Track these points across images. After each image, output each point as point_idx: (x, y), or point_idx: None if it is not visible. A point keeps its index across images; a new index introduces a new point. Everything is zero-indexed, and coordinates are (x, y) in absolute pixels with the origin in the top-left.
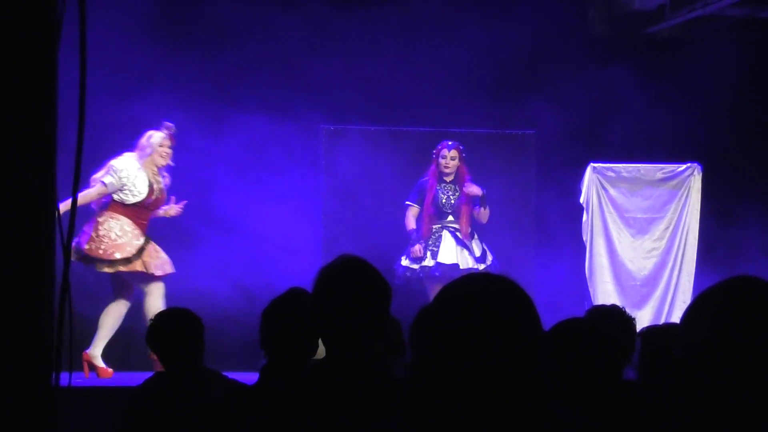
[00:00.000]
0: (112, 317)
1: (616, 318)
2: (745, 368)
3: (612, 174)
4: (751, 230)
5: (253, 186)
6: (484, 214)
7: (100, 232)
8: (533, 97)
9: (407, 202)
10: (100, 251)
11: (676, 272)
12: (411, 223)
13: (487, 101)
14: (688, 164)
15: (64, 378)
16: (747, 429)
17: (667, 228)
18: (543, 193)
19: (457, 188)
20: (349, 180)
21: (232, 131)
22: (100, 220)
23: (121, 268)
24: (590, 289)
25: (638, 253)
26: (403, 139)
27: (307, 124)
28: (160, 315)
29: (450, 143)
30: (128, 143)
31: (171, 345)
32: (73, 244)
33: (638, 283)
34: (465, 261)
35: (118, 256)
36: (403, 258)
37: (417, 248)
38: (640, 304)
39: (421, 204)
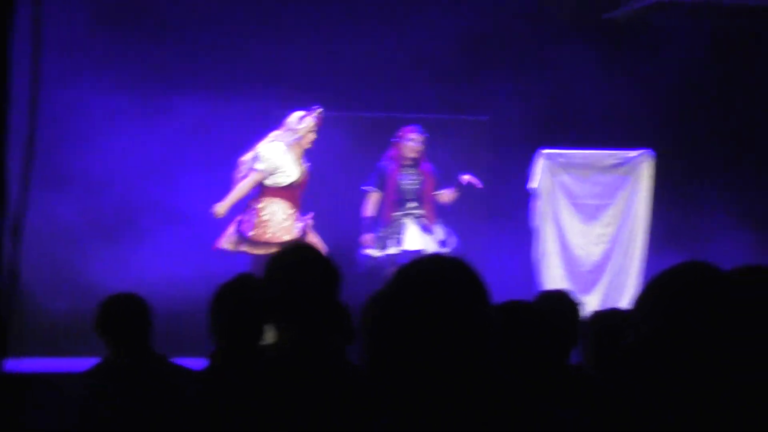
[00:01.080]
0: None
1: (563, 303)
2: (695, 353)
3: (563, 160)
4: (702, 217)
5: (205, 172)
6: (450, 195)
7: (264, 217)
8: (487, 83)
9: (366, 188)
10: (268, 235)
11: (625, 258)
12: (369, 209)
13: (441, 87)
14: (640, 151)
15: (11, 364)
16: (697, 413)
17: (617, 214)
18: (495, 179)
19: (419, 173)
20: (311, 166)
21: (184, 117)
22: (259, 206)
23: None
24: (539, 276)
25: (588, 239)
26: (356, 124)
27: (262, 108)
28: (107, 300)
29: (417, 127)
30: (70, 128)
31: (120, 331)
32: (234, 233)
33: (587, 269)
34: (430, 246)
35: (287, 238)
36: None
37: (369, 237)
38: (588, 290)
39: (381, 189)
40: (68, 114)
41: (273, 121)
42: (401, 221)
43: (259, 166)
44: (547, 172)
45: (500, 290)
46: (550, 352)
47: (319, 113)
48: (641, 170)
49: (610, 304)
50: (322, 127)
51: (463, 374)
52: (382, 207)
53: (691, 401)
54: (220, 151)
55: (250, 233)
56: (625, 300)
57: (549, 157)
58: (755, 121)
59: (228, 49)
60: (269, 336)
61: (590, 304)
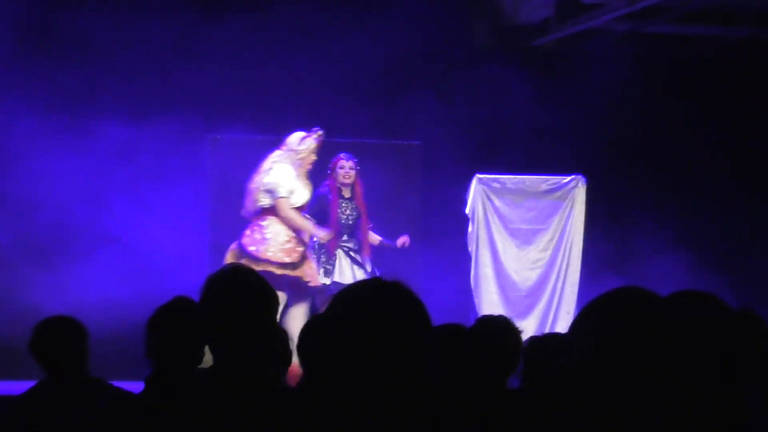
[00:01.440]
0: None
1: (504, 329)
2: (630, 376)
3: (497, 185)
4: (635, 240)
5: (137, 196)
6: (377, 241)
7: (267, 235)
8: (419, 108)
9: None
10: (269, 254)
11: (560, 283)
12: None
13: (372, 111)
14: (573, 176)
15: None
16: None
17: (552, 239)
18: (429, 203)
19: (354, 206)
20: (235, 189)
21: (110, 139)
22: (264, 223)
23: (288, 272)
24: (475, 300)
25: (523, 264)
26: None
27: (188, 131)
28: (43, 323)
29: (346, 154)
30: None
31: (55, 353)
32: (235, 246)
33: (523, 293)
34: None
35: (287, 259)
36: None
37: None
38: (524, 315)
39: (320, 218)
40: None
41: (198, 144)
42: (335, 253)
43: (282, 194)
44: (481, 196)
45: (437, 314)
46: (488, 375)
47: (320, 135)
48: (574, 195)
49: (546, 329)
50: (247, 152)
51: (399, 396)
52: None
53: (628, 422)
54: (147, 173)
55: (251, 248)
56: (561, 324)
57: (483, 182)
58: (684, 144)
59: (153, 73)
60: (208, 360)
61: (526, 328)
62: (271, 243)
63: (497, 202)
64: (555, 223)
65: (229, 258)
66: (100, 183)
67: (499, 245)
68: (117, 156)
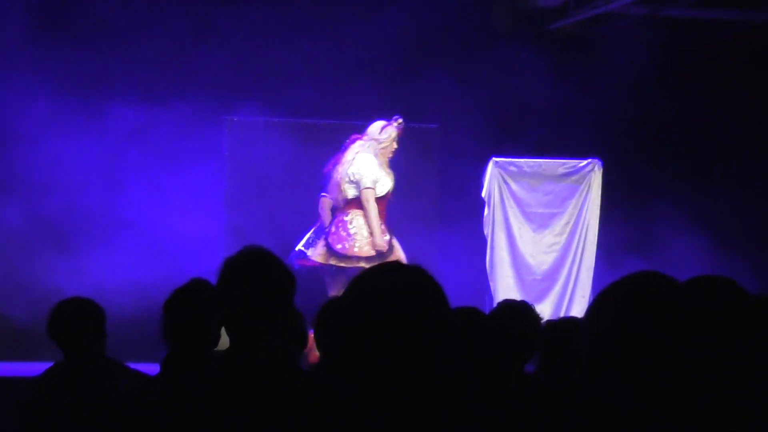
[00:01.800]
0: None
1: (523, 314)
2: (645, 362)
3: (514, 169)
4: (651, 225)
5: (153, 179)
6: None
7: (351, 231)
8: (436, 91)
9: (324, 194)
10: (356, 249)
11: (575, 267)
12: (327, 215)
13: (391, 94)
14: (589, 160)
15: None
16: (648, 423)
17: (568, 223)
18: (446, 186)
19: None
20: (252, 171)
21: (123, 122)
22: (347, 218)
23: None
24: (491, 283)
25: (539, 248)
26: (307, 130)
27: (201, 114)
28: (60, 305)
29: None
30: (9, 131)
31: (73, 335)
32: (322, 246)
33: (538, 277)
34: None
35: (373, 252)
36: (311, 248)
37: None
38: (540, 299)
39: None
40: (6, 118)
41: (214, 125)
42: None
43: (367, 184)
44: (497, 180)
45: (452, 297)
46: (506, 360)
47: (400, 123)
48: (591, 179)
49: (561, 313)
50: (263, 133)
51: (418, 380)
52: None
53: (639, 410)
54: (163, 155)
55: (338, 246)
56: (576, 308)
57: (499, 165)
58: (701, 128)
59: (168, 55)
60: (224, 342)
61: (542, 312)
62: (357, 238)
63: (513, 186)
64: (571, 207)
65: (319, 258)
66: (116, 166)
67: (515, 229)
68: (132, 138)
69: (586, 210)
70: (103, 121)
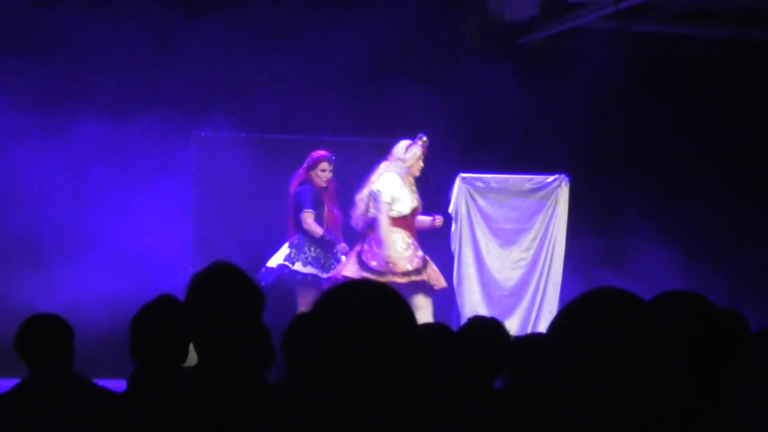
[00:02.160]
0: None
1: (493, 331)
2: (606, 380)
3: (481, 184)
4: (619, 240)
5: (121, 193)
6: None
7: (384, 247)
8: (404, 106)
9: (308, 210)
10: (391, 265)
11: (543, 283)
12: (318, 227)
13: (358, 109)
14: (556, 175)
15: None
16: None
17: (535, 239)
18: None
19: (331, 199)
20: (218, 186)
21: (86, 138)
22: (380, 237)
23: (414, 278)
24: (458, 299)
25: (506, 264)
26: (274, 146)
27: (176, 130)
28: (28, 321)
29: (330, 155)
30: None
31: (39, 351)
32: (354, 262)
33: (505, 293)
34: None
35: (409, 267)
36: (298, 263)
37: (344, 246)
38: (507, 314)
39: (320, 210)
40: None
41: (181, 141)
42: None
43: (384, 199)
44: (464, 195)
45: None
46: (474, 377)
47: (424, 142)
48: (558, 195)
49: (528, 329)
50: (231, 148)
51: (386, 397)
52: (330, 229)
53: (604, 427)
54: (126, 171)
55: (372, 263)
56: (544, 324)
57: (467, 181)
58: (669, 143)
59: (136, 70)
60: (193, 358)
61: (509, 328)
62: (391, 254)
63: (480, 202)
64: (538, 222)
65: (351, 274)
66: (82, 181)
67: (482, 245)
68: (98, 153)
69: (554, 225)
70: (69, 136)
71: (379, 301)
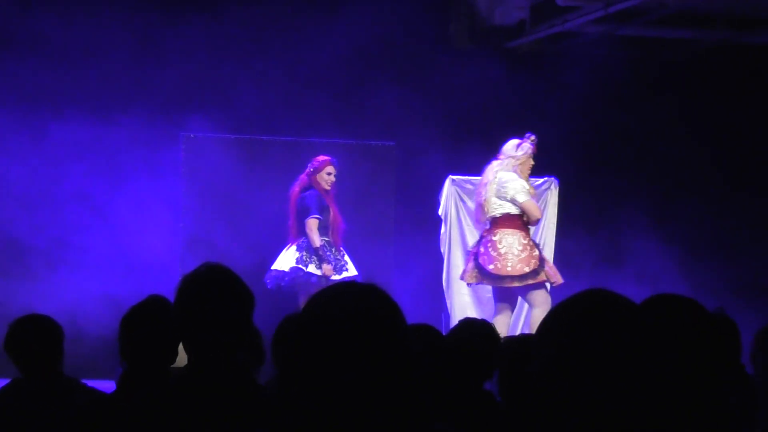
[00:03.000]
0: (505, 328)
1: (483, 333)
2: (595, 383)
3: (470, 186)
4: (608, 242)
5: (109, 194)
6: None
7: (501, 250)
8: (394, 108)
9: (315, 216)
10: (508, 268)
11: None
12: (318, 238)
13: (348, 111)
14: (546, 178)
15: None
16: None
17: None
18: (402, 204)
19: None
20: (209, 187)
21: (67, 140)
22: (495, 238)
23: (530, 281)
24: (447, 301)
25: None
26: (265, 147)
27: (165, 132)
28: (18, 321)
29: (333, 159)
30: None
31: (29, 352)
32: (472, 267)
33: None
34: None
35: (527, 269)
36: (311, 265)
37: (329, 267)
38: (495, 316)
39: (326, 215)
40: None
41: (171, 142)
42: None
43: (525, 197)
44: (454, 198)
45: (409, 315)
46: (464, 378)
47: (533, 140)
48: (547, 197)
49: (517, 330)
50: (220, 150)
51: (376, 398)
52: (335, 234)
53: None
54: (111, 174)
55: (490, 267)
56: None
57: (456, 183)
58: (659, 145)
59: (116, 72)
60: (182, 359)
61: (498, 330)
62: (509, 257)
63: (470, 204)
64: None
65: (471, 279)
66: (68, 183)
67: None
68: (86, 155)
69: (543, 228)
70: (53, 139)
71: (368, 303)
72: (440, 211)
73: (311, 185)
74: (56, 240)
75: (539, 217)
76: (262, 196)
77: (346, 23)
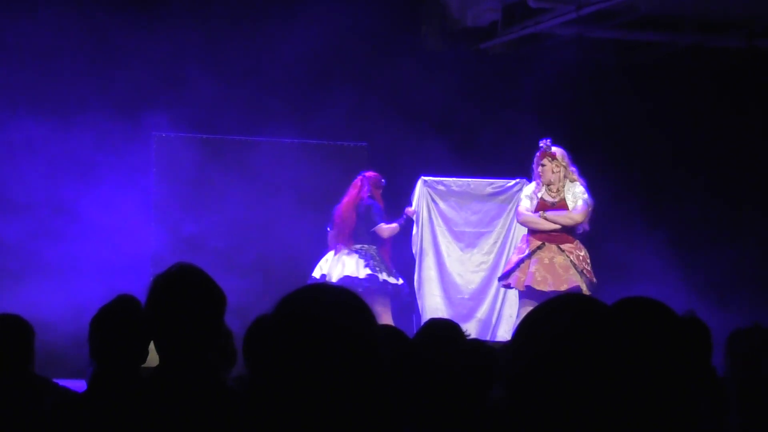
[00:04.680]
0: None
1: (449, 333)
2: (568, 387)
3: (442, 188)
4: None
5: (79, 195)
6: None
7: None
8: (365, 109)
9: (383, 224)
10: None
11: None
12: (395, 227)
13: (319, 112)
14: (517, 180)
15: None
16: None
17: (496, 242)
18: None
19: None
20: (180, 187)
21: (24, 139)
22: (520, 245)
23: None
24: (419, 302)
25: (467, 267)
26: (237, 148)
27: (138, 131)
28: None
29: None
30: None
31: (0, 351)
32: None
33: (466, 296)
34: None
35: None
36: (383, 273)
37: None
38: (467, 318)
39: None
40: None
41: (143, 142)
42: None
43: (522, 202)
44: (426, 198)
45: None
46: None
47: (541, 146)
48: (518, 199)
49: (488, 332)
50: (191, 150)
51: (345, 400)
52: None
53: None
54: (88, 172)
55: (588, 267)
56: (504, 327)
57: (428, 184)
58: (629, 148)
59: (94, 72)
60: (152, 358)
61: (468, 331)
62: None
63: (442, 205)
64: (499, 226)
65: (519, 287)
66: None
67: (443, 248)
68: (28, 155)
69: (514, 229)
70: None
71: (339, 304)
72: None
73: (367, 197)
74: (31, 245)
75: (518, 221)
76: (232, 196)
77: (319, 22)
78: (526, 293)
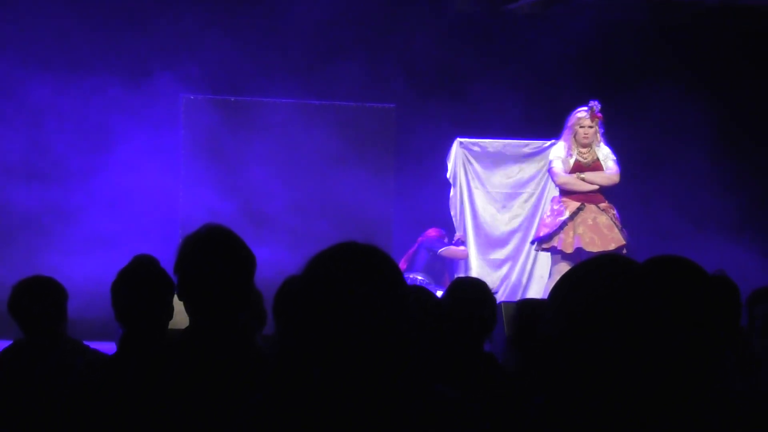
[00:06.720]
0: None
1: (478, 292)
2: (605, 346)
3: (478, 149)
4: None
5: (110, 156)
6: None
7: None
8: (394, 71)
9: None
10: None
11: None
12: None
13: (347, 74)
14: (553, 140)
15: None
16: (610, 408)
17: (530, 203)
18: (405, 167)
19: None
20: (209, 149)
21: (84, 98)
22: (555, 207)
23: (545, 246)
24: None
25: (502, 228)
26: (265, 110)
27: (167, 92)
28: (22, 282)
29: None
30: None
31: (33, 313)
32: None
33: (501, 256)
34: None
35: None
36: None
37: None
38: (502, 278)
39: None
40: None
41: (172, 104)
42: None
43: (555, 164)
44: (462, 160)
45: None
46: (461, 338)
47: (587, 109)
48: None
49: (519, 292)
50: (220, 112)
51: (376, 359)
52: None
53: (598, 395)
54: (118, 134)
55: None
56: (535, 287)
57: (464, 146)
58: (669, 106)
59: (85, 31)
60: (180, 320)
61: (503, 291)
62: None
63: (477, 167)
64: (534, 186)
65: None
66: (59, 151)
67: (480, 209)
68: (87, 117)
69: (548, 191)
70: (38, 103)
71: (368, 262)
72: (449, 175)
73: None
74: (61, 205)
75: (555, 183)
76: (261, 158)
77: None
78: (562, 254)
